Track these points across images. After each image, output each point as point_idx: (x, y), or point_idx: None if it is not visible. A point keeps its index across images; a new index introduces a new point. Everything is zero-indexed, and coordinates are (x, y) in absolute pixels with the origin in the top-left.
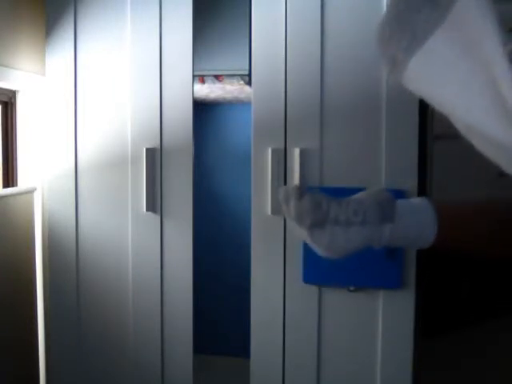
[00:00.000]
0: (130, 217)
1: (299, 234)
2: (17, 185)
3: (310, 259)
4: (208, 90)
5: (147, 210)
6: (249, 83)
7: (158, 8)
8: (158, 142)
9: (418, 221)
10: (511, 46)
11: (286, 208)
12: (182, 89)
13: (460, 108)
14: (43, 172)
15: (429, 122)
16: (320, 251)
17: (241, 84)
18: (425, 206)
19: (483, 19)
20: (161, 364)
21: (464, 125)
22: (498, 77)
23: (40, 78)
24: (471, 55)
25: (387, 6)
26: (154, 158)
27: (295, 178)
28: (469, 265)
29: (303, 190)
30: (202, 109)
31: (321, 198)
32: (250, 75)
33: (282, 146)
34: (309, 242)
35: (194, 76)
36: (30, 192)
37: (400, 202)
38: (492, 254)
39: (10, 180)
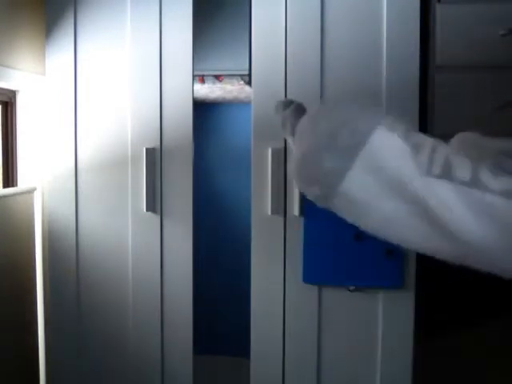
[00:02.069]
0: (130, 217)
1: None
2: (17, 185)
3: (310, 259)
4: (208, 90)
5: (147, 210)
6: (249, 83)
7: (158, 8)
8: (158, 142)
9: None
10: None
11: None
12: (182, 89)
13: (387, 235)
14: (43, 172)
15: (429, 122)
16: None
17: (241, 84)
18: None
19: (399, 150)
20: (161, 364)
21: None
22: (426, 199)
23: (40, 78)
24: (388, 186)
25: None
26: (154, 158)
27: None
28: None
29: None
30: (202, 109)
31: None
32: (250, 75)
33: (282, 146)
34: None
35: (194, 76)
36: (30, 192)
37: None
38: None
39: (10, 180)
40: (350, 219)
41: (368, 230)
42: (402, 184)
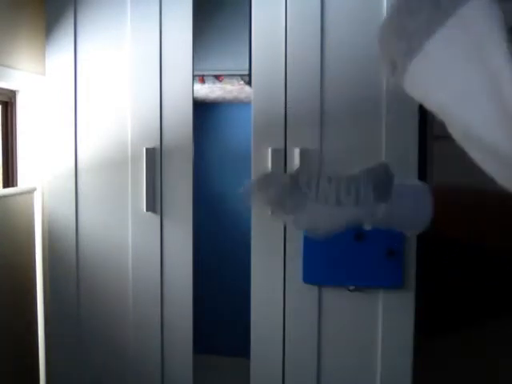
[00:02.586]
0: (130, 217)
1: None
2: (17, 185)
3: (310, 259)
4: (208, 90)
5: (147, 210)
6: (249, 83)
7: (158, 8)
8: (158, 142)
9: (413, 202)
10: None
11: (260, 196)
12: (182, 89)
13: (459, 112)
14: (43, 172)
15: (429, 122)
16: (304, 230)
17: (241, 84)
18: (422, 188)
19: (489, 22)
20: (161, 364)
21: (461, 132)
22: (501, 79)
23: (40, 78)
24: (473, 57)
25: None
26: (154, 157)
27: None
28: (469, 265)
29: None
30: (202, 109)
31: (301, 175)
32: (250, 75)
33: (282, 146)
34: (291, 223)
35: (194, 76)
36: (30, 192)
37: (396, 183)
38: (491, 242)
39: (10, 180)
40: (421, 92)
41: (435, 107)
42: (487, 55)
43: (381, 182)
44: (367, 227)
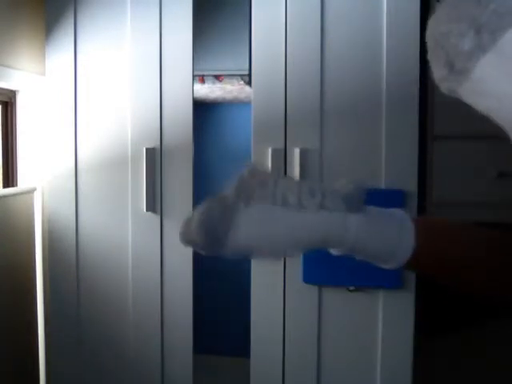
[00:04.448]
0: (130, 217)
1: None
2: (17, 185)
3: (310, 259)
4: (208, 90)
5: (147, 210)
6: (249, 83)
7: (158, 8)
8: (158, 142)
9: (390, 228)
10: None
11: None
12: (182, 89)
13: None
14: (43, 172)
15: (429, 122)
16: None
17: (241, 84)
18: (400, 213)
19: None
20: (161, 364)
21: None
22: None
23: (40, 78)
24: None
25: None
26: (154, 157)
27: (295, 178)
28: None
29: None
30: (202, 109)
31: (261, 172)
32: (250, 75)
33: (282, 146)
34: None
35: (194, 76)
36: (30, 192)
37: (372, 207)
38: (477, 285)
39: (10, 180)
40: (488, 100)
41: (506, 118)
42: None
43: (349, 191)
44: (335, 252)
